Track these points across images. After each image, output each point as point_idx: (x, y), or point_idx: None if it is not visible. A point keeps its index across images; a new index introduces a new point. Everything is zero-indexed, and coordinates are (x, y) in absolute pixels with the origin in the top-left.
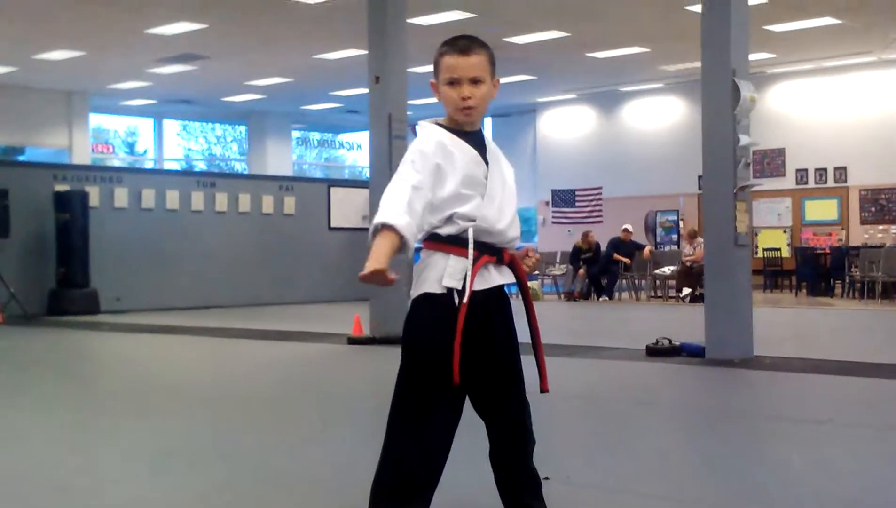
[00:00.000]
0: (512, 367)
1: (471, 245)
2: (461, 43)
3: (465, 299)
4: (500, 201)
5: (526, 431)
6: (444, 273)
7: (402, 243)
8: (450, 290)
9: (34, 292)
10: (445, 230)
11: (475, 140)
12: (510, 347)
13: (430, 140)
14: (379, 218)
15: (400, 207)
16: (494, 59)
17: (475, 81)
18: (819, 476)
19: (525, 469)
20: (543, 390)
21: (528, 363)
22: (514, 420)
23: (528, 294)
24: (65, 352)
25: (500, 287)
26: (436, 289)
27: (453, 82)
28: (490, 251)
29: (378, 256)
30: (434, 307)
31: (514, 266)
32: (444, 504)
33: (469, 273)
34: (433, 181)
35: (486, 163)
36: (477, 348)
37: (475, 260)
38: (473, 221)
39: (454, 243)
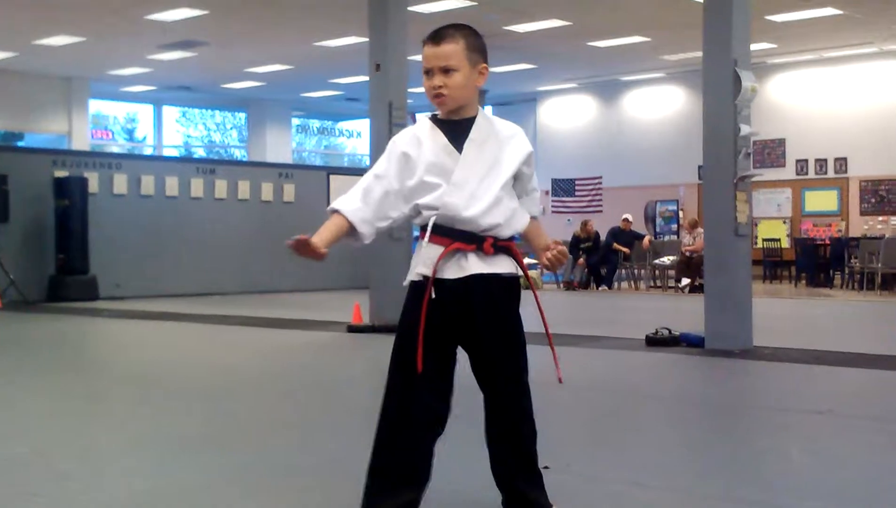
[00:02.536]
0: (505, 354)
1: (428, 233)
2: (435, 32)
3: (428, 287)
4: (474, 189)
5: (520, 416)
6: (419, 261)
7: (350, 228)
8: (425, 278)
9: (33, 278)
10: (418, 220)
11: (459, 128)
12: (502, 334)
13: (407, 132)
14: (332, 203)
15: (355, 193)
16: (480, 45)
17: (446, 71)
18: (817, 466)
19: (519, 454)
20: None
21: (540, 353)
22: (507, 405)
23: (529, 281)
24: (64, 338)
25: (489, 275)
26: (413, 277)
27: (427, 72)
28: (464, 239)
29: (319, 233)
30: (410, 295)
31: (512, 254)
32: (443, 493)
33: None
34: (401, 170)
35: (461, 150)
36: (464, 335)
37: (445, 247)
38: (436, 209)
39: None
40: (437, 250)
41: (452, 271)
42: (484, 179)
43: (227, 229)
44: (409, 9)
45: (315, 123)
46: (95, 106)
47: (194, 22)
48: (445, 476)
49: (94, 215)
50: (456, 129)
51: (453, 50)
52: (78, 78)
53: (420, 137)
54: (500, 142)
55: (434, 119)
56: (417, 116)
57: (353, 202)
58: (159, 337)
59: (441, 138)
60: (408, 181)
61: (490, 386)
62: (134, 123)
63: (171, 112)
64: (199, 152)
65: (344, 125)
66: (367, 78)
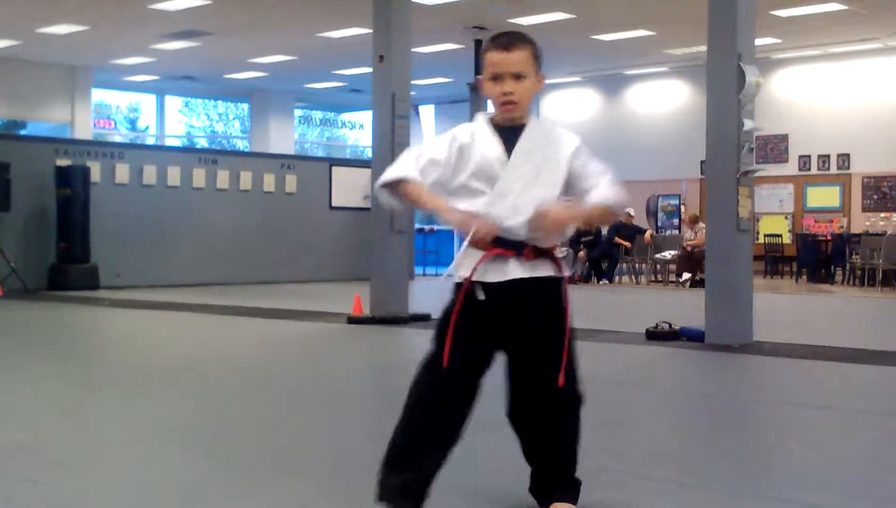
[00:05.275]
0: (550, 359)
1: (466, 241)
2: (504, 39)
3: (462, 290)
4: (516, 199)
5: (564, 424)
6: (462, 263)
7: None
8: (463, 278)
9: (34, 266)
10: None
11: (511, 135)
12: (547, 339)
13: (467, 128)
14: (396, 173)
15: (410, 168)
16: (540, 54)
17: (517, 77)
18: (817, 461)
19: (556, 463)
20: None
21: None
22: (548, 412)
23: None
24: (64, 327)
25: (529, 280)
26: (454, 277)
27: (496, 78)
28: (504, 245)
29: (440, 202)
30: (451, 294)
31: (552, 259)
32: (453, 485)
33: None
34: (456, 163)
35: (510, 157)
36: (506, 339)
37: (485, 252)
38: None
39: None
40: (477, 254)
41: (493, 275)
42: (528, 189)
43: (229, 219)
44: (413, 0)
45: (318, 115)
46: (98, 95)
47: (198, 11)
48: (462, 466)
49: (95, 204)
50: (510, 135)
51: (522, 57)
52: (81, 67)
53: (477, 137)
54: (548, 147)
55: (491, 122)
56: (478, 114)
57: (416, 175)
58: (159, 327)
59: (496, 144)
60: (457, 176)
61: (530, 391)
62: (137, 112)
63: (173, 102)
64: (202, 143)
65: (347, 117)
66: (370, 69)
